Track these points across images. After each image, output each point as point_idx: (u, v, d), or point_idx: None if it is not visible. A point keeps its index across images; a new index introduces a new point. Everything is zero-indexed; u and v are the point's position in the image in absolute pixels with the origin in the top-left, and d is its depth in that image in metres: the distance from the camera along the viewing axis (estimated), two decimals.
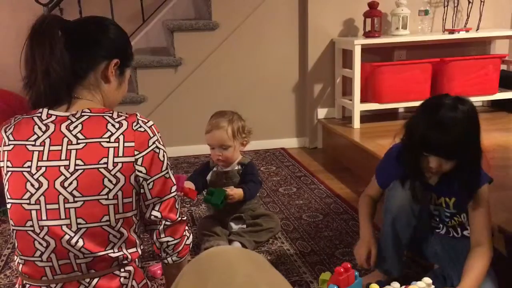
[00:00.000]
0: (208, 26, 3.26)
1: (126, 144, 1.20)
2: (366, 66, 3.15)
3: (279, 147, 3.49)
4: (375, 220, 1.75)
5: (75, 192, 1.16)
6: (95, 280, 1.21)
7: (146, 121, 1.26)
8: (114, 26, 1.32)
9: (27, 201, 1.17)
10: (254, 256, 1.08)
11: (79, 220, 1.17)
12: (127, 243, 1.24)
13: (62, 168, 1.16)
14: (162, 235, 1.31)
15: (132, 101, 3.21)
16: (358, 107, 3.17)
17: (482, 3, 3.43)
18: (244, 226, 2.07)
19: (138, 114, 1.26)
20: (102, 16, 1.38)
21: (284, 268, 1.86)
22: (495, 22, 3.60)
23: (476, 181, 1.51)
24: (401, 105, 3.39)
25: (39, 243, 1.18)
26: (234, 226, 2.08)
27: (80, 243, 1.17)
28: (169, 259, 1.34)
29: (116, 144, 1.19)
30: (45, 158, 1.17)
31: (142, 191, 1.25)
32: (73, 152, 1.17)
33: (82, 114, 1.22)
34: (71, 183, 1.16)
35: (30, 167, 1.17)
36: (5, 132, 1.22)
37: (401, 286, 1.46)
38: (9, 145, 1.20)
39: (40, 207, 1.16)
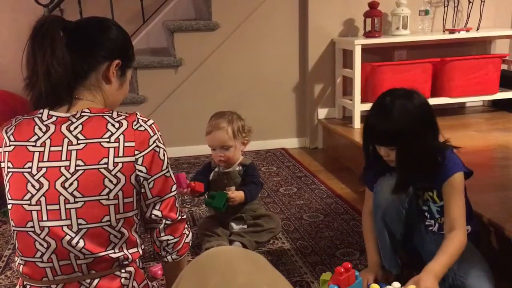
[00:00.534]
0: (208, 26, 3.26)
1: (126, 144, 1.20)
2: (367, 66, 3.15)
3: (280, 147, 3.49)
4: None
5: (75, 193, 1.16)
6: (96, 281, 1.21)
7: (146, 119, 1.26)
8: (115, 27, 1.32)
9: (28, 202, 1.17)
10: (255, 257, 1.08)
11: (80, 221, 1.17)
12: (128, 243, 1.25)
13: (62, 169, 1.16)
14: (162, 234, 1.31)
15: (132, 102, 3.21)
16: (359, 107, 3.17)
17: (483, 2, 3.42)
18: (245, 226, 2.07)
19: (138, 113, 1.26)
20: (103, 16, 1.38)
21: (285, 269, 1.86)
22: (496, 22, 3.60)
23: (445, 169, 1.54)
24: None
25: (40, 243, 1.18)
26: (235, 227, 2.08)
27: (81, 243, 1.17)
28: (168, 257, 1.34)
29: (117, 144, 1.19)
30: (45, 158, 1.17)
31: (142, 190, 1.25)
32: (74, 152, 1.17)
33: (82, 114, 1.22)
34: (71, 183, 1.16)
35: (30, 167, 1.17)
36: (6, 132, 1.22)
37: (401, 286, 1.46)
38: (9, 145, 1.20)
39: (41, 207, 1.16)
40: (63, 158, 1.17)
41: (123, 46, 1.32)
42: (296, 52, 3.45)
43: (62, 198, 1.16)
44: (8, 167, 1.20)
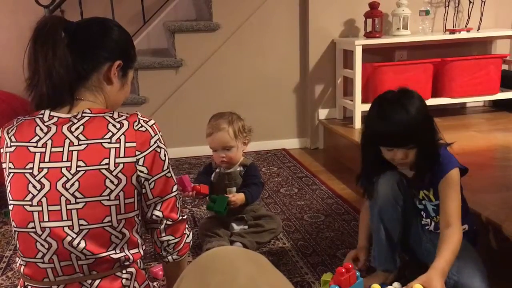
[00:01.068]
0: (209, 27, 3.27)
1: (127, 145, 1.20)
2: (367, 66, 3.15)
3: (280, 147, 3.49)
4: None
5: (77, 194, 1.16)
6: (97, 282, 1.21)
7: (148, 120, 1.26)
8: (117, 28, 1.32)
9: (29, 203, 1.17)
10: (256, 257, 1.07)
11: (81, 222, 1.17)
12: (129, 243, 1.25)
13: (64, 170, 1.17)
14: (163, 234, 1.31)
15: (133, 102, 3.21)
16: (359, 107, 3.17)
17: (483, 3, 3.42)
18: (246, 227, 2.07)
19: (139, 114, 1.26)
20: (105, 17, 1.38)
21: (285, 269, 1.86)
22: (496, 22, 3.60)
23: (441, 166, 1.55)
24: None
25: (41, 244, 1.18)
26: (236, 227, 2.08)
27: (82, 244, 1.17)
28: (169, 257, 1.34)
29: (118, 145, 1.19)
30: (47, 159, 1.18)
31: (143, 191, 1.25)
32: (75, 153, 1.17)
33: (83, 115, 1.22)
34: (73, 184, 1.16)
35: (32, 168, 1.17)
36: (7, 133, 1.23)
37: (402, 286, 1.46)
38: (11, 146, 1.21)
39: (42, 208, 1.16)
40: (64, 159, 1.17)
41: (124, 46, 1.32)
42: (297, 52, 3.45)
43: (63, 199, 1.16)
44: (10, 168, 1.20)
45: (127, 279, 1.25)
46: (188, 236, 1.37)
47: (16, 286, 1.50)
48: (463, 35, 3.30)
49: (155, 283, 1.41)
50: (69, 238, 1.17)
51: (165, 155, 1.26)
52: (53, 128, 1.20)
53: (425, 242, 1.68)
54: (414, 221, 1.69)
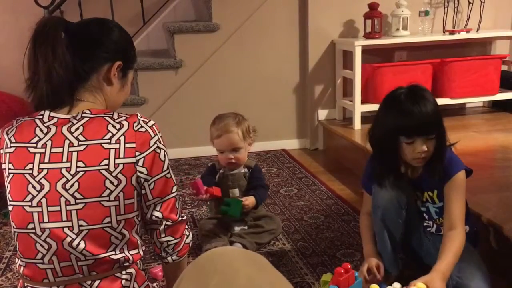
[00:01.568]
0: (208, 27, 3.27)
1: (127, 145, 1.20)
2: (367, 67, 3.15)
3: (280, 148, 3.49)
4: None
5: (76, 194, 1.16)
6: (97, 282, 1.21)
7: (147, 120, 1.26)
8: (117, 28, 1.32)
9: (29, 203, 1.17)
10: (256, 257, 1.08)
11: (81, 222, 1.17)
12: (129, 244, 1.25)
13: (63, 170, 1.17)
14: (163, 235, 1.31)
15: (132, 103, 3.21)
16: (359, 108, 3.17)
17: (483, 3, 3.42)
18: (246, 227, 2.07)
19: (138, 114, 1.26)
20: (105, 18, 1.38)
21: (285, 269, 1.86)
22: (496, 23, 3.60)
23: (448, 167, 1.55)
24: None
25: (41, 245, 1.18)
26: (236, 228, 2.07)
27: (82, 245, 1.17)
28: (169, 258, 1.34)
29: (117, 146, 1.19)
30: (46, 160, 1.17)
31: (143, 191, 1.25)
32: (75, 154, 1.17)
33: (83, 115, 1.22)
34: (72, 185, 1.16)
35: (31, 169, 1.17)
36: (7, 134, 1.23)
37: (402, 287, 1.46)
38: (11, 147, 1.21)
39: (42, 209, 1.16)
40: (64, 159, 1.17)
41: (124, 47, 1.32)
42: (296, 53, 3.45)
43: (63, 200, 1.16)
44: (9, 169, 1.20)
45: (126, 279, 1.25)
46: (187, 236, 1.37)
47: (16, 287, 1.50)
48: (463, 35, 3.30)
49: (154, 284, 1.41)
50: (68, 239, 1.17)
51: (164, 156, 1.26)
52: (53, 129, 1.20)
53: (427, 244, 1.68)
54: (416, 223, 1.69)
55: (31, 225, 1.17)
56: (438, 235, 1.63)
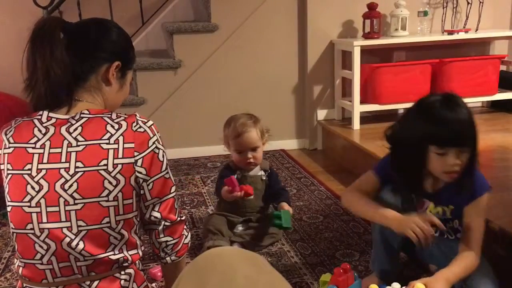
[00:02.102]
0: (207, 28, 3.27)
1: (125, 146, 1.20)
2: (366, 67, 3.15)
3: (279, 148, 3.49)
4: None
5: (75, 195, 1.16)
6: (96, 283, 1.21)
7: (146, 120, 1.26)
8: (116, 28, 1.32)
9: (28, 204, 1.17)
10: (254, 257, 1.08)
11: (80, 223, 1.17)
12: (128, 244, 1.24)
13: (62, 171, 1.16)
14: (161, 235, 1.31)
15: (131, 103, 3.21)
16: (358, 108, 3.18)
17: (481, 3, 3.43)
18: (248, 230, 2.06)
19: (137, 114, 1.26)
20: (104, 18, 1.38)
21: (284, 270, 1.86)
22: (494, 23, 3.60)
23: (473, 187, 1.48)
24: (400, 106, 3.38)
25: (40, 245, 1.18)
26: (239, 228, 2.07)
27: (81, 245, 1.17)
28: (167, 258, 1.34)
29: (116, 146, 1.19)
30: (45, 160, 1.17)
31: (142, 192, 1.25)
32: (73, 154, 1.17)
33: (81, 116, 1.22)
34: (71, 185, 1.16)
35: (30, 169, 1.17)
36: (6, 134, 1.22)
37: (401, 287, 1.46)
38: (9, 147, 1.20)
39: (41, 209, 1.16)
40: (63, 160, 1.17)
41: (123, 47, 1.32)
42: (295, 53, 3.45)
43: (61, 200, 1.16)
44: (8, 169, 1.20)
45: (125, 280, 1.25)
46: (186, 237, 1.37)
47: None
48: (461, 36, 3.31)
49: (153, 284, 1.41)
50: (67, 239, 1.17)
51: (163, 156, 1.26)
52: (52, 129, 1.20)
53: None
54: None
55: (30, 226, 1.17)
56: (442, 238, 1.61)
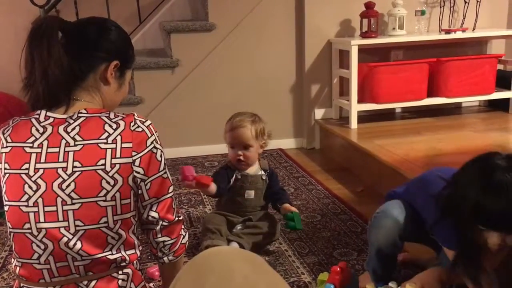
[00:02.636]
0: (205, 27, 3.26)
1: (123, 145, 1.19)
2: (363, 66, 3.16)
3: (277, 147, 3.49)
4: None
5: (73, 194, 1.16)
6: (93, 283, 1.20)
7: (144, 120, 1.25)
8: (115, 28, 1.31)
9: (25, 204, 1.16)
10: (252, 257, 1.07)
11: (77, 222, 1.16)
12: (126, 244, 1.24)
13: (60, 170, 1.16)
14: (159, 235, 1.31)
15: (129, 103, 3.20)
16: (355, 107, 3.18)
17: (478, 3, 3.43)
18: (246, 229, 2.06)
19: (135, 114, 1.25)
20: (103, 17, 1.37)
21: (282, 269, 1.86)
22: (492, 22, 3.61)
23: None
24: (398, 105, 3.40)
25: (37, 245, 1.17)
26: (238, 227, 2.06)
27: (78, 245, 1.17)
28: (165, 258, 1.34)
29: (114, 145, 1.19)
30: (42, 160, 1.17)
31: (139, 192, 1.24)
32: (71, 154, 1.17)
33: (79, 115, 1.21)
34: (69, 185, 1.16)
35: (28, 169, 1.17)
36: (3, 134, 1.22)
37: (398, 286, 1.46)
38: (6, 147, 1.20)
39: (38, 209, 1.16)
40: (60, 159, 1.17)
41: (122, 47, 1.32)
42: (293, 52, 3.45)
43: (59, 200, 1.15)
44: (5, 169, 1.19)
45: (123, 280, 1.24)
46: (184, 237, 1.37)
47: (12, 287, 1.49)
48: (459, 35, 3.31)
49: (151, 284, 1.41)
50: (65, 239, 1.16)
51: (161, 156, 1.26)
52: (49, 129, 1.20)
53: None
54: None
55: (27, 225, 1.17)
56: None
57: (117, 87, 1.32)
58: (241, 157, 2.01)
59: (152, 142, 1.23)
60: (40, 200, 1.16)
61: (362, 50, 3.17)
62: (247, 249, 1.92)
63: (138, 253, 1.29)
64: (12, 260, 1.25)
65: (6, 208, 1.20)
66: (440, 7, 3.48)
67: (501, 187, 1.22)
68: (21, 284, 1.22)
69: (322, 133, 3.49)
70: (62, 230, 1.16)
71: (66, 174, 1.16)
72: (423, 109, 3.44)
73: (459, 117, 3.47)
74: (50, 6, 3.02)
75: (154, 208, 1.28)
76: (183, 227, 1.37)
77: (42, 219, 1.16)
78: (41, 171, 1.17)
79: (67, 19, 1.29)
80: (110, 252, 1.21)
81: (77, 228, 1.17)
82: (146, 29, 3.57)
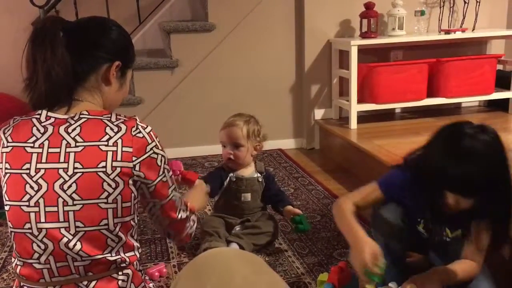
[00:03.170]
0: (204, 27, 3.26)
1: (124, 149, 1.19)
2: (363, 66, 3.16)
3: (276, 148, 3.49)
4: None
5: (74, 195, 1.16)
6: (93, 283, 1.21)
7: (145, 126, 1.25)
8: (116, 28, 1.31)
9: (26, 203, 1.17)
10: (252, 258, 1.08)
11: (78, 223, 1.16)
12: (125, 247, 1.24)
13: (61, 171, 1.16)
14: (164, 227, 1.37)
15: (128, 103, 3.20)
16: (355, 107, 3.18)
17: (478, 3, 3.43)
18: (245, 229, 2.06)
19: (137, 119, 1.25)
20: (104, 17, 1.38)
21: (282, 269, 1.86)
22: (491, 22, 3.61)
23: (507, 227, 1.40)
24: (398, 106, 3.40)
25: (37, 245, 1.17)
26: (237, 228, 2.06)
27: (78, 246, 1.17)
28: (172, 242, 1.39)
29: (115, 148, 1.18)
30: (44, 160, 1.17)
31: (141, 195, 1.26)
32: (72, 155, 1.17)
33: (81, 116, 1.21)
34: (70, 186, 1.16)
35: (29, 169, 1.17)
36: (4, 133, 1.22)
37: (398, 286, 1.46)
38: (7, 146, 1.20)
39: (39, 209, 1.16)
40: (61, 160, 1.17)
41: (123, 47, 1.32)
42: (293, 52, 3.45)
43: (60, 200, 1.16)
44: (6, 168, 1.19)
45: (123, 280, 1.24)
46: (191, 227, 1.41)
47: None
48: (458, 35, 3.31)
49: (151, 285, 1.40)
50: (65, 240, 1.16)
51: (161, 161, 1.26)
52: (50, 129, 1.20)
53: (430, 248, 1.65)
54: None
55: (28, 225, 1.17)
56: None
57: (118, 87, 1.32)
58: (231, 156, 2.02)
59: (152, 148, 1.23)
60: (41, 200, 1.16)
61: (361, 50, 3.17)
62: (247, 249, 1.92)
63: (138, 255, 1.29)
64: (13, 259, 1.25)
65: (7, 208, 1.20)
66: (440, 7, 3.48)
67: (462, 153, 1.30)
68: (22, 284, 1.23)
69: (321, 133, 3.49)
70: (63, 230, 1.16)
71: (67, 175, 1.16)
72: (423, 109, 3.44)
73: (458, 117, 3.47)
74: (50, 7, 3.02)
75: (156, 209, 1.30)
76: (192, 218, 1.40)
77: (42, 219, 1.16)
78: (42, 171, 1.17)
79: (67, 19, 1.29)
80: (109, 254, 1.21)
81: (77, 229, 1.17)
82: (146, 29, 3.57)
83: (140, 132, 1.22)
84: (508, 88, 3.38)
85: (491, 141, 1.33)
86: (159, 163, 1.25)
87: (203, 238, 1.99)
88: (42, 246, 1.17)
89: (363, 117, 3.33)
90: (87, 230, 1.17)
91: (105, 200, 1.17)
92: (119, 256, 1.23)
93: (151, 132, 1.25)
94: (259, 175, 2.09)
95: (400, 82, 3.15)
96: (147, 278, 1.41)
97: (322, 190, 2.67)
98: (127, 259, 1.24)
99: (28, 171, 1.17)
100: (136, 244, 1.28)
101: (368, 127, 3.21)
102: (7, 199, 1.19)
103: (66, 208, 1.16)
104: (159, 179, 1.26)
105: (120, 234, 1.22)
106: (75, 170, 1.16)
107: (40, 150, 1.18)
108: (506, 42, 3.64)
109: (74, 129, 1.19)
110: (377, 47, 3.35)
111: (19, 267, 1.22)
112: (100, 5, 3.13)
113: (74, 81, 1.23)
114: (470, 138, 1.32)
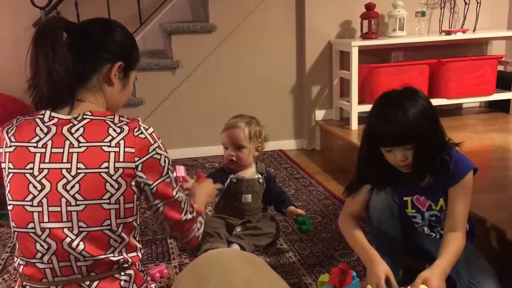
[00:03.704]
0: (205, 28, 3.27)
1: (126, 150, 1.19)
2: (364, 67, 3.16)
3: (277, 149, 3.49)
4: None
5: (77, 196, 1.16)
6: (95, 283, 1.21)
7: (147, 127, 1.25)
8: (119, 29, 1.32)
9: (30, 203, 1.17)
10: (253, 258, 1.08)
11: (81, 224, 1.17)
12: (128, 247, 1.25)
13: (64, 171, 1.17)
14: (170, 229, 1.36)
15: (130, 104, 3.20)
16: (356, 108, 3.18)
17: (479, 4, 3.44)
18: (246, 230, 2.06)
19: (140, 120, 1.26)
20: (109, 18, 1.38)
21: (282, 270, 1.86)
22: (492, 23, 3.61)
23: (456, 170, 1.52)
24: None
25: (40, 245, 1.18)
26: (238, 229, 2.06)
27: (81, 246, 1.17)
28: (178, 244, 1.38)
29: (117, 149, 1.19)
30: (47, 160, 1.17)
31: (144, 196, 1.26)
32: (75, 155, 1.17)
33: (84, 117, 1.22)
34: (73, 186, 1.16)
35: (32, 169, 1.17)
36: (7, 133, 1.22)
37: (400, 287, 1.46)
38: (10, 146, 1.20)
39: (43, 209, 1.17)
40: (65, 160, 1.17)
41: (126, 48, 1.32)
42: (293, 53, 3.45)
43: (63, 200, 1.16)
44: (9, 168, 1.20)
45: (125, 281, 1.25)
46: (198, 230, 1.41)
47: None
48: (459, 36, 3.31)
49: (152, 285, 1.41)
50: (68, 240, 1.17)
51: (165, 161, 1.26)
52: (53, 129, 1.20)
53: (429, 246, 1.65)
54: (409, 224, 1.67)
55: (31, 225, 1.17)
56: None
57: (120, 88, 1.32)
58: (234, 158, 2.02)
59: (154, 149, 1.23)
60: (44, 200, 1.16)
61: (362, 51, 3.17)
62: (249, 250, 1.92)
63: (140, 256, 1.30)
64: (16, 258, 1.26)
65: (10, 207, 1.21)
66: (441, 8, 3.48)
67: (381, 113, 1.50)
68: (24, 283, 1.23)
69: (322, 134, 3.50)
70: (66, 230, 1.17)
71: (70, 175, 1.16)
72: None
73: (459, 118, 3.48)
74: (51, 8, 3.02)
75: (160, 210, 1.30)
76: (198, 220, 1.41)
77: (46, 219, 1.17)
78: (45, 171, 1.17)
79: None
80: (112, 254, 1.22)
81: (80, 229, 1.17)
82: (147, 30, 3.57)
83: (142, 133, 1.22)
84: (509, 89, 3.38)
85: (411, 95, 1.54)
86: (162, 163, 1.25)
87: (204, 239, 1.98)
88: (45, 246, 1.18)
89: (364, 118, 3.31)
90: (90, 230, 1.18)
91: (108, 201, 1.17)
92: (121, 257, 1.23)
93: (153, 133, 1.25)
94: (259, 176, 2.10)
95: (400, 83, 3.10)
96: (149, 278, 1.41)
97: (323, 191, 2.67)
98: (130, 260, 1.25)
99: (31, 171, 1.17)
100: (138, 244, 1.29)
101: None
102: (10, 198, 1.20)
103: (69, 208, 1.16)
104: (162, 179, 1.26)
105: (123, 234, 1.22)
106: (78, 171, 1.16)
107: (43, 150, 1.18)
108: (507, 43, 3.64)
109: (78, 129, 1.20)
110: (378, 48, 3.35)
111: (21, 266, 1.23)
112: (101, 6, 3.14)
113: (76, 82, 1.24)
114: (391, 97, 1.54)
